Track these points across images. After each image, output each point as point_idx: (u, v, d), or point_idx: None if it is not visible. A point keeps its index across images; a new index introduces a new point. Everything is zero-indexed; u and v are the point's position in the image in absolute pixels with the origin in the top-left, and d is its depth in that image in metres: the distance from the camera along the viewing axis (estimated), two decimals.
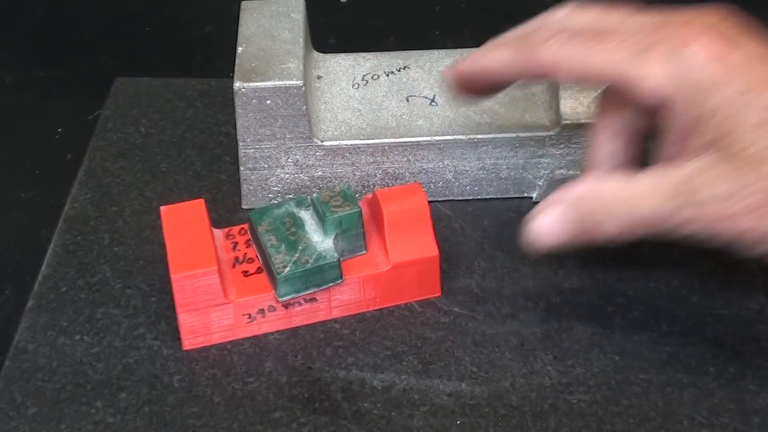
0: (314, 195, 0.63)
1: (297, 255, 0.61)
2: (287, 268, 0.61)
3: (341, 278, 0.62)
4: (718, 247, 0.54)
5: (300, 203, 0.64)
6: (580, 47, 0.56)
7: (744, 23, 0.55)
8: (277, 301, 0.61)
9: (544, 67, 0.57)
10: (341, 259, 0.62)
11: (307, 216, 0.63)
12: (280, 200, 0.70)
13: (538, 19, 0.60)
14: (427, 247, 0.63)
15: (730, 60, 0.54)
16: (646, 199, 0.55)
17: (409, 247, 0.63)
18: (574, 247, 0.58)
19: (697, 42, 0.54)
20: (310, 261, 0.61)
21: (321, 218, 0.62)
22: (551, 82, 0.67)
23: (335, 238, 0.62)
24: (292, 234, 0.62)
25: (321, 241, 0.62)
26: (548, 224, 0.57)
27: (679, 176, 0.54)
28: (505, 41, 0.60)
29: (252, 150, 0.68)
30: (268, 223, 0.63)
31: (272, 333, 0.63)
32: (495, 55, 0.60)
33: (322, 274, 0.61)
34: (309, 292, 0.61)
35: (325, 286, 0.62)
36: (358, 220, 0.62)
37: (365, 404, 0.59)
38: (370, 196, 0.65)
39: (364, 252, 0.63)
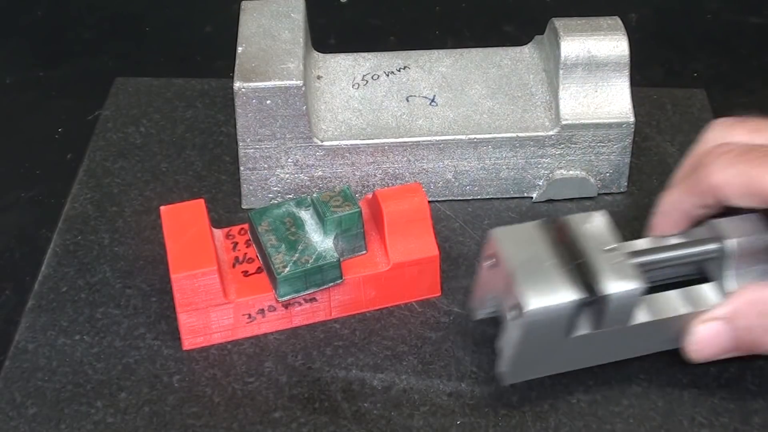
0: (314, 195, 0.63)
1: (297, 255, 0.61)
2: (287, 268, 0.61)
3: (341, 278, 0.62)
4: None
5: (300, 203, 0.64)
6: (744, 167, 0.56)
7: None
8: (277, 301, 0.61)
9: (713, 189, 0.57)
10: (341, 259, 0.62)
11: (307, 216, 0.63)
12: (280, 200, 0.70)
13: (698, 145, 0.60)
14: (427, 247, 0.63)
15: None
16: None
17: (409, 247, 0.63)
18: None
19: None
20: (310, 261, 0.61)
21: (321, 218, 0.62)
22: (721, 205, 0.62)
23: (335, 238, 0.62)
24: (292, 234, 0.62)
25: (321, 241, 0.62)
26: (706, 337, 0.57)
27: None
28: (674, 180, 0.60)
29: (252, 150, 0.68)
30: (268, 223, 0.63)
31: (272, 333, 0.63)
32: (669, 198, 0.60)
33: (322, 274, 0.61)
34: (309, 292, 0.61)
35: (325, 286, 0.62)
36: (358, 220, 0.62)
37: (365, 404, 0.59)
38: (370, 196, 0.64)
39: (364, 252, 0.63)
